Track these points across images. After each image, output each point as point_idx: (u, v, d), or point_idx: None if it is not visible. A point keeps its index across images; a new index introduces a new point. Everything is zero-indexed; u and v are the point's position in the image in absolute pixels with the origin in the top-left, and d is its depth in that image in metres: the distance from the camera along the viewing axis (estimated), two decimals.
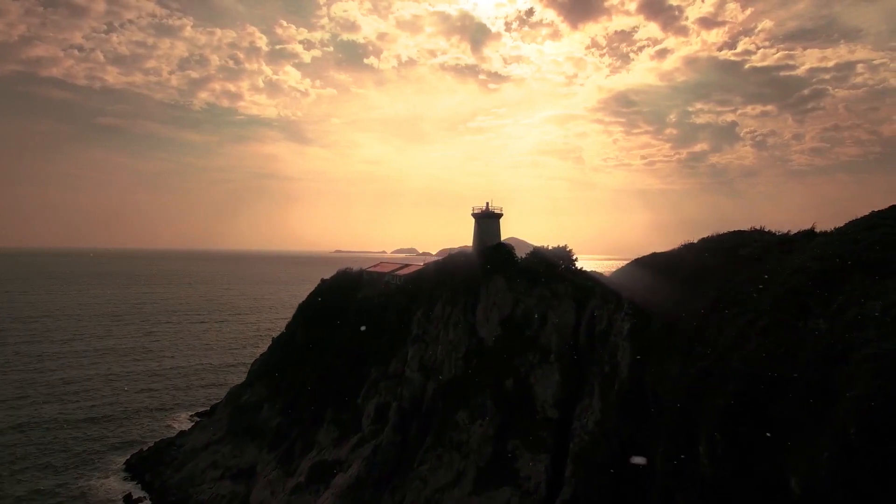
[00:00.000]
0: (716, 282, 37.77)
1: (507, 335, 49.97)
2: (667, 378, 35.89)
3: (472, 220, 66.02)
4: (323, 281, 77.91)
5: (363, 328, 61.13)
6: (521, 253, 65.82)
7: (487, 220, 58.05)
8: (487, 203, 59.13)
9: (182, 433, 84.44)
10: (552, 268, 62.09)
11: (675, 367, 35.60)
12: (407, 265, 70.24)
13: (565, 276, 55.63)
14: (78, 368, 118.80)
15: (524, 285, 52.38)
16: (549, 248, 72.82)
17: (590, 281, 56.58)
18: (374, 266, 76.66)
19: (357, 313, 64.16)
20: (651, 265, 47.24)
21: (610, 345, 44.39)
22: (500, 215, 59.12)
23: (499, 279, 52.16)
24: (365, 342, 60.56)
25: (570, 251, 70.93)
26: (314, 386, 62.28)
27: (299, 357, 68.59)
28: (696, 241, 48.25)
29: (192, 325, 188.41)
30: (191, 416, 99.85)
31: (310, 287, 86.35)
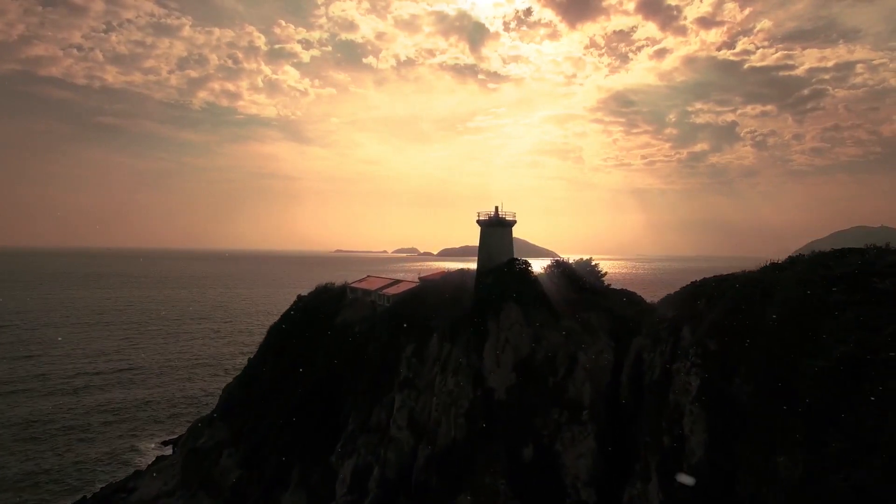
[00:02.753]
0: (842, 330, 25.66)
1: (525, 384, 37.63)
2: (780, 480, 23.77)
3: (475, 224, 53.77)
4: (299, 298, 65.64)
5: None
6: (527, 258, 53.80)
7: (496, 230, 45.75)
8: (497, 208, 46.80)
9: (137, 473, 72.43)
10: (580, 289, 49.76)
11: (793, 466, 23.41)
12: (397, 282, 58.03)
13: (597, 301, 43.29)
14: (37, 393, 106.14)
15: (546, 315, 40.02)
16: (571, 260, 60.52)
17: (630, 308, 44.24)
18: (360, 281, 64.40)
19: (334, 343, 51.94)
20: (718, 294, 34.83)
21: (669, 406, 32.13)
22: (513, 223, 46.81)
23: (512, 308, 39.79)
24: (342, 381, 48.29)
25: (597, 265, 58.57)
26: (279, 434, 50.03)
27: (265, 393, 56.40)
28: (780, 260, 36.11)
29: (180, 333, 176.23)
30: (158, 444, 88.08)
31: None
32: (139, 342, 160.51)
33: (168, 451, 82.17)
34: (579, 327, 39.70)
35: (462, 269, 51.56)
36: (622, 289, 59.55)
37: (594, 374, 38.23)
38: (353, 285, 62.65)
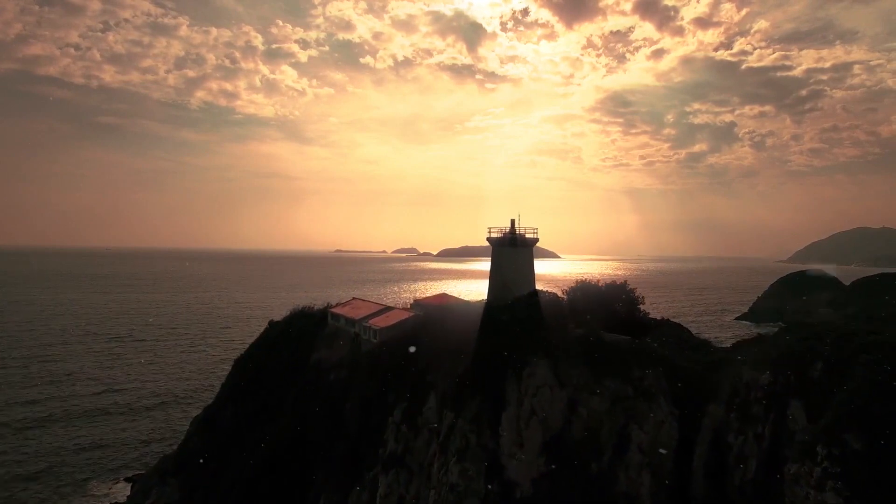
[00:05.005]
0: None
1: (558, 473, 26.94)
2: None
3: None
4: (271, 325, 54.72)
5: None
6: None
7: (513, 251, 35.00)
8: (513, 221, 35.99)
9: None
10: (617, 323, 39.08)
11: None
12: (387, 309, 47.27)
13: (648, 348, 32.48)
14: None
15: (584, 373, 29.26)
16: (599, 282, 49.77)
17: (690, 356, 33.42)
18: (344, 305, 53.55)
19: (306, 390, 41.24)
20: (846, 357, 24.03)
21: None
22: (535, 242, 36.05)
23: (539, 363, 29.02)
24: (314, 444, 37.49)
25: (633, 290, 47.80)
26: None
27: (225, 446, 45.64)
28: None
29: (167, 344, 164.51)
30: (117, 482, 76.95)
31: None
32: (122, 356, 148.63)
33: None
34: (630, 389, 28.96)
35: (468, 302, 40.94)
36: (664, 318, 49.00)
37: (654, 456, 27.53)
38: (334, 310, 51.85)
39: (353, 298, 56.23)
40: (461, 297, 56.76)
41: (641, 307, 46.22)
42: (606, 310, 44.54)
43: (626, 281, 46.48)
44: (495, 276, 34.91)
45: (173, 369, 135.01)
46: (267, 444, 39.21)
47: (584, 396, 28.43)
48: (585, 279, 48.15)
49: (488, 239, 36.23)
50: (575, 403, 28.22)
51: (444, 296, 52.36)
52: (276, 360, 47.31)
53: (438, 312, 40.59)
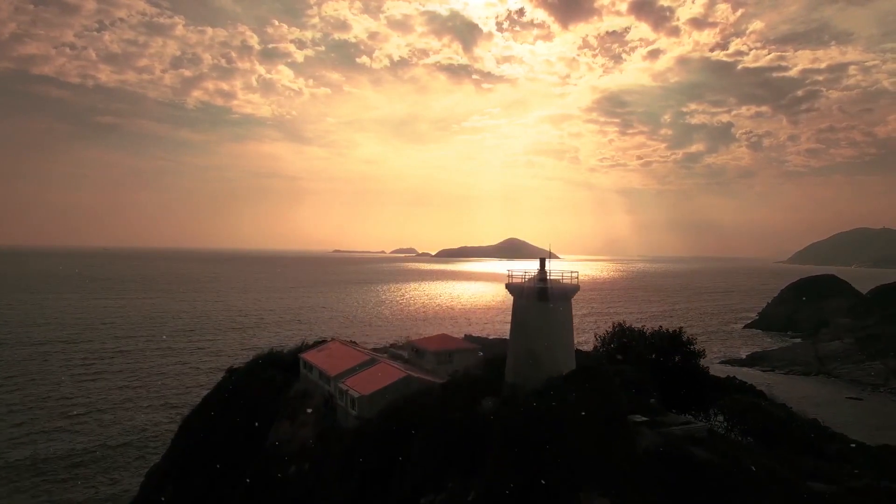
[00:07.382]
0: None
1: None
2: None
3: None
4: (229, 374, 44.03)
5: None
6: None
7: (544, 308, 24.18)
8: (543, 262, 25.25)
9: None
10: (667, 378, 28.70)
11: None
12: (372, 363, 36.55)
13: (754, 460, 21.83)
14: None
15: None
16: (644, 328, 38.91)
17: (816, 468, 22.78)
18: (320, 350, 42.77)
19: (255, 484, 30.77)
20: None
21: None
22: (576, 290, 25.18)
23: None
24: None
25: (691, 338, 37.07)
26: None
27: None
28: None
29: (149, 360, 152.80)
30: None
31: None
32: (98, 375, 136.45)
33: None
34: None
35: (478, 351, 30.39)
36: (729, 377, 38.47)
37: None
38: (308, 356, 41.19)
39: (333, 340, 45.51)
40: (465, 324, 46.49)
41: (700, 362, 35.61)
42: (655, 365, 34.09)
43: (681, 329, 35.86)
44: (518, 344, 24.25)
45: (150, 392, 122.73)
46: None
47: None
48: (625, 324, 37.60)
49: (508, 287, 25.60)
50: None
51: (445, 338, 41.80)
52: (227, 428, 36.59)
53: (435, 364, 30.08)
